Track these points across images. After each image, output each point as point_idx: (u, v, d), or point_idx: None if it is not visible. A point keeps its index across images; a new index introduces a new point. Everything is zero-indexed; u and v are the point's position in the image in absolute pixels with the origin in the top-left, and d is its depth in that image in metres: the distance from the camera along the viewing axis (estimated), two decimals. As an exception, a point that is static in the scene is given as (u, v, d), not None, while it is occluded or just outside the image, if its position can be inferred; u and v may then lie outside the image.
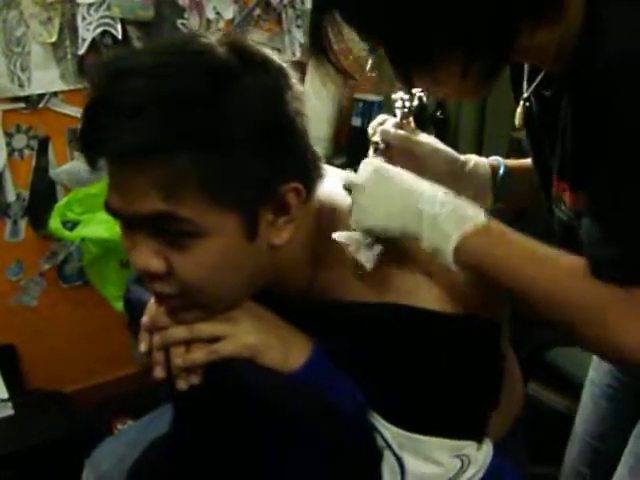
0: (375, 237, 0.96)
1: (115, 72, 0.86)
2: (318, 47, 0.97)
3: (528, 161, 1.24)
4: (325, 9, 0.95)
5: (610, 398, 1.46)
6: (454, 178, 1.16)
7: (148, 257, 0.89)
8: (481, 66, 0.92)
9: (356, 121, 2.85)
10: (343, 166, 1.10)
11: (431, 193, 0.95)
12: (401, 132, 1.15)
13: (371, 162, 1.01)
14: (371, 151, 1.15)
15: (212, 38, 0.92)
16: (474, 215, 0.93)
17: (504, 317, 1.05)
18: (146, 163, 0.83)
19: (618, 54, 0.85)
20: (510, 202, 1.32)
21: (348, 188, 1.00)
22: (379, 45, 0.96)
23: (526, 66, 1.10)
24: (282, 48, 2.83)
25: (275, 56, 0.95)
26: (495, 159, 1.27)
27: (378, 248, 0.97)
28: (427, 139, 1.18)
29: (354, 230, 0.97)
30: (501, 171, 1.25)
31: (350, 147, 2.82)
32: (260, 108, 0.88)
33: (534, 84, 1.06)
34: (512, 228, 0.96)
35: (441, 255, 0.93)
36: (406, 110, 1.17)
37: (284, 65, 0.95)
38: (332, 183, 1.03)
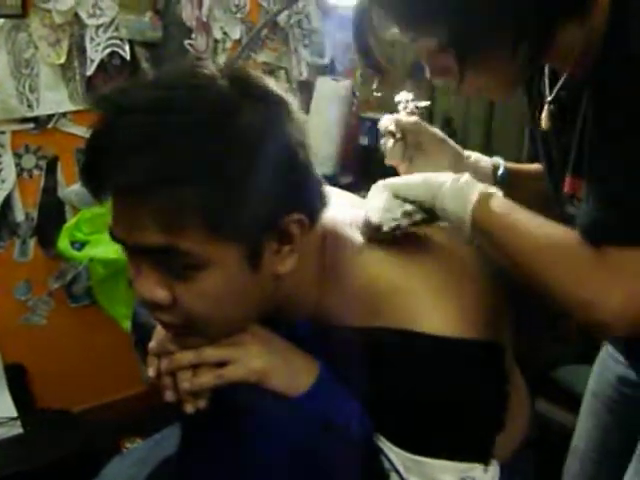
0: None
1: (116, 107, 0.86)
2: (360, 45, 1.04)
3: (531, 167, 1.31)
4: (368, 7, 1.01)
5: (613, 411, 1.45)
6: (457, 170, 1.19)
7: (153, 287, 0.90)
8: (527, 49, 0.97)
9: (363, 140, 2.83)
10: (349, 185, 1.10)
11: (448, 174, 1.02)
12: (414, 118, 1.22)
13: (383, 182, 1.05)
14: (390, 142, 1.21)
15: (214, 69, 0.92)
16: (489, 186, 1.00)
17: (507, 338, 1.05)
18: (146, 198, 0.84)
19: None
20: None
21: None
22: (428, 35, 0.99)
23: (547, 72, 1.15)
24: (289, 67, 2.85)
25: (276, 86, 0.95)
26: (495, 159, 1.33)
27: (419, 215, 1.02)
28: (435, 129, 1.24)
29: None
30: (500, 170, 1.31)
31: (357, 166, 2.80)
32: (260, 142, 0.87)
33: (557, 86, 1.11)
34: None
35: (459, 219, 0.98)
36: (409, 111, 1.24)
37: (285, 96, 0.95)
38: (335, 207, 1.03)
